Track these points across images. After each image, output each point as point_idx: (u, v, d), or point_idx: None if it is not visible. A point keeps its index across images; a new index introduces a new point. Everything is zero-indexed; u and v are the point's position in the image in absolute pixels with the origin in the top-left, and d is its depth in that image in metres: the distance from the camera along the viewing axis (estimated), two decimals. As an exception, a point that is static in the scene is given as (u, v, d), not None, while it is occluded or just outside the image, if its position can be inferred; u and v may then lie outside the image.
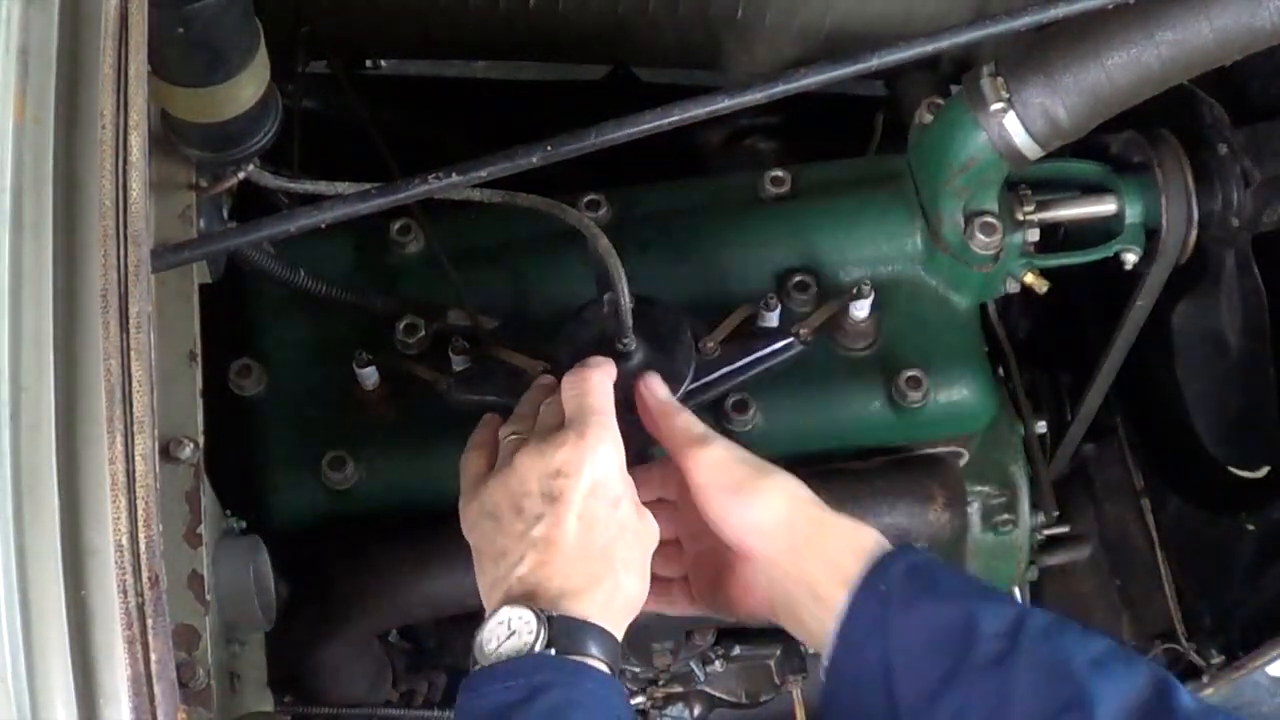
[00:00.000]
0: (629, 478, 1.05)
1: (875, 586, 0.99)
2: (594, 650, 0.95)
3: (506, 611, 0.96)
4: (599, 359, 1.10)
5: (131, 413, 0.82)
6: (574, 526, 0.99)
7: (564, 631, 0.95)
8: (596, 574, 1.00)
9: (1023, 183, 1.39)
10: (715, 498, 1.05)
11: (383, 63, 1.84)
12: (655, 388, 1.15)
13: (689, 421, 1.11)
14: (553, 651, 0.94)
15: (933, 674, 0.95)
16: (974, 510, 1.52)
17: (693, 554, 1.14)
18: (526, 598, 0.97)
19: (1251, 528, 1.61)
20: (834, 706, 1.01)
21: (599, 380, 1.06)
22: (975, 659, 0.94)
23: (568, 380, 1.07)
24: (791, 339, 1.29)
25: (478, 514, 1.04)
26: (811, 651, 1.55)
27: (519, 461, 1.02)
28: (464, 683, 0.96)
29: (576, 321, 1.24)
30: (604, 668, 0.96)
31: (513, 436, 1.07)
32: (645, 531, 1.05)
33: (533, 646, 0.94)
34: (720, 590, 1.11)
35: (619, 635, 1.00)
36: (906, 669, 0.96)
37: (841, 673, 0.99)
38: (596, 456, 1.01)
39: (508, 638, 0.95)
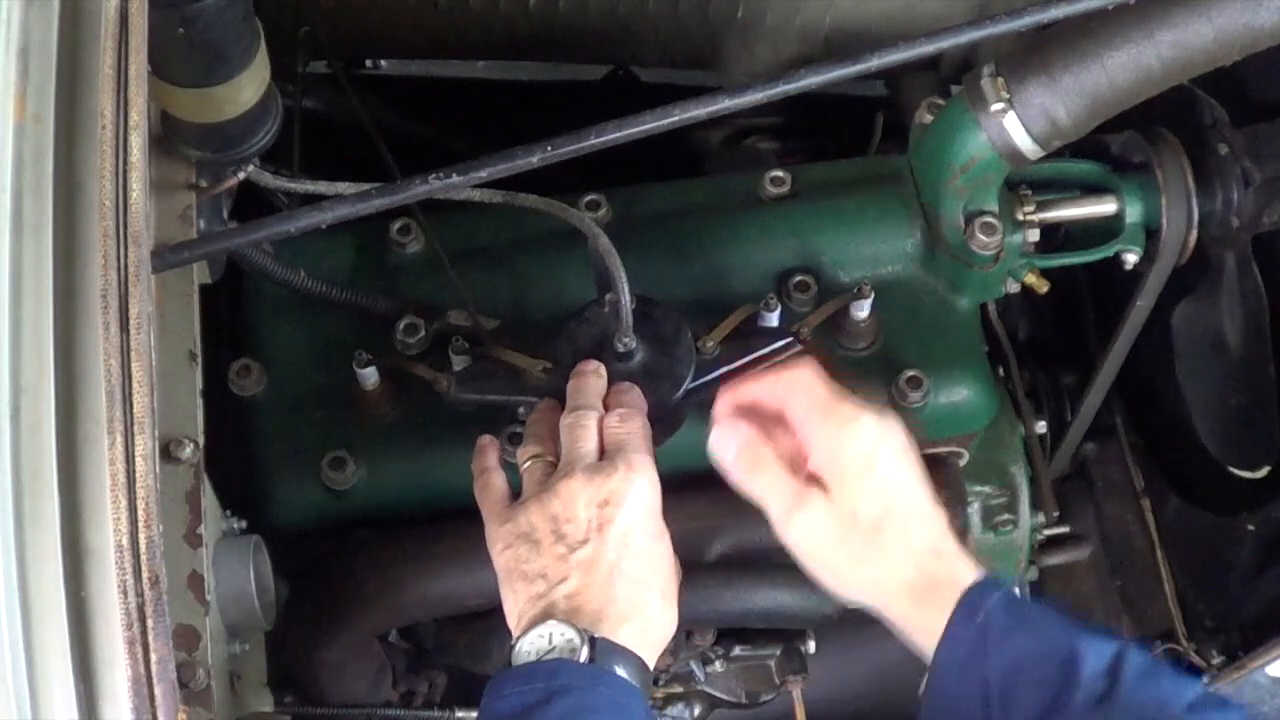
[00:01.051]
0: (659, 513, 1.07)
1: (973, 615, 1.00)
2: (622, 671, 0.97)
3: (550, 626, 0.97)
4: (633, 394, 1.12)
5: (131, 413, 0.82)
6: (618, 555, 1.01)
7: (602, 652, 0.96)
8: (636, 603, 1.01)
9: (1023, 183, 1.39)
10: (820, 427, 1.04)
11: (383, 63, 1.84)
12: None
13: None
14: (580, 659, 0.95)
15: (1033, 706, 0.96)
16: (974, 510, 1.52)
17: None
18: (570, 615, 0.98)
19: (1251, 528, 1.61)
20: None
21: (643, 422, 1.09)
22: (1077, 696, 0.95)
23: (612, 416, 1.09)
24: (791, 338, 1.29)
25: (512, 535, 1.04)
26: (813, 651, 1.56)
27: (563, 488, 1.03)
28: (489, 684, 0.97)
29: (577, 321, 1.24)
30: (629, 679, 0.97)
31: (534, 461, 1.09)
32: (677, 568, 1.08)
33: (573, 660, 0.95)
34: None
35: (651, 665, 1.02)
36: (1005, 698, 0.97)
37: (940, 697, 1.01)
38: (643, 491, 1.04)
39: (548, 651, 0.96)
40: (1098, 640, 0.99)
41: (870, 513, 1.04)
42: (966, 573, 1.03)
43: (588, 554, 1.01)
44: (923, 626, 1.02)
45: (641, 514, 1.03)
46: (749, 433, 1.08)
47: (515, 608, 1.03)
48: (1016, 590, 1.04)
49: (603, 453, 1.07)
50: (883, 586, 1.04)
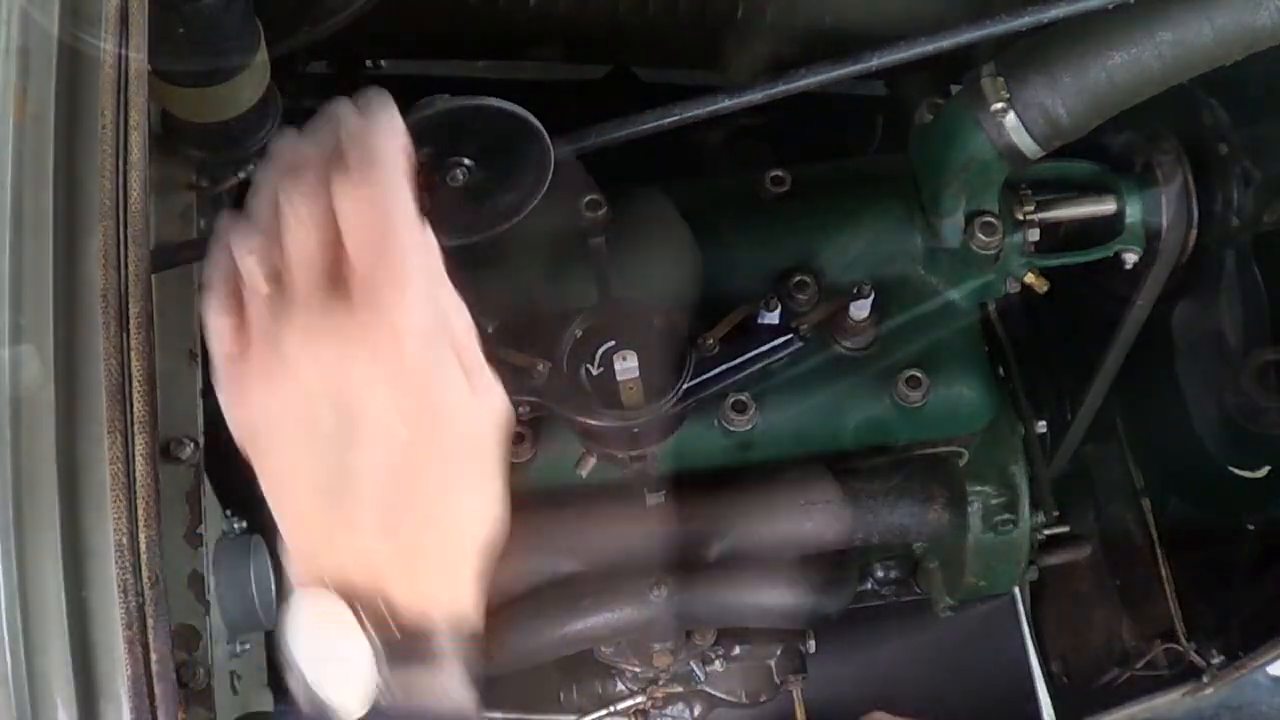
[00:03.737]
0: (465, 327, 0.74)
1: None
2: (444, 674, 0.75)
3: (324, 605, 0.73)
4: (382, 116, 0.71)
5: (131, 413, 0.82)
6: (385, 459, 0.69)
7: (404, 654, 0.73)
8: (428, 544, 0.72)
9: (1023, 183, 1.39)
10: None
11: (383, 63, 1.84)
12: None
13: None
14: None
15: None
16: (974, 510, 1.52)
17: None
18: (344, 586, 0.72)
19: (1251, 528, 1.61)
20: None
21: (395, 184, 0.67)
22: None
23: (344, 197, 0.67)
24: (791, 334, 1.29)
25: (259, 419, 0.72)
26: (813, 651, 1.56)
27: (292, 349, 0.68)
28: None
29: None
30: (453, 696, 0.74)
31: (253, 260, 0.70)
32: (487, 414, 0.74)
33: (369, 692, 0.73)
34: None
35: (474, 600, 0.74)
36: None
37: None
38: (410, 337, 0.69)
39: (331, 656, 0.74)
40: None
41: None
42: None
43: (340, 462, 0.69)
44: None
45: (410, 383, 0.68)
46: None
47: (284, 527, 0.74)
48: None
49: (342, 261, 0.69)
50: None
